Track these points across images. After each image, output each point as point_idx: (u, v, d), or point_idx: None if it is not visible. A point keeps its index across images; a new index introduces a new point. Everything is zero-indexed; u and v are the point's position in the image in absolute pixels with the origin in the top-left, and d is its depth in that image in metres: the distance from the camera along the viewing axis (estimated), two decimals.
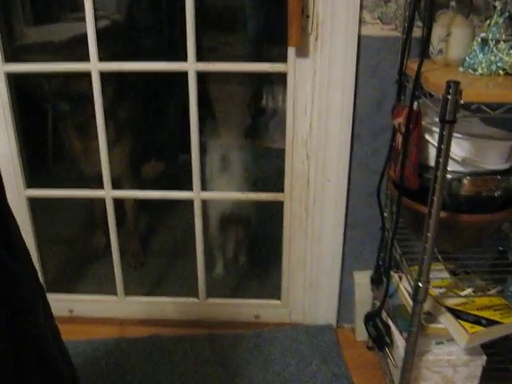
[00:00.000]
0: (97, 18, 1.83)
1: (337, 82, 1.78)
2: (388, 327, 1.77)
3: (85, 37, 1.79)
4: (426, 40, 1.47)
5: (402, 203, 1.60)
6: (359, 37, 1.74)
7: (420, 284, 1.49)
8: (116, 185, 2.01)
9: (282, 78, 1.84)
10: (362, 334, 2.06)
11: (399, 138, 1.60)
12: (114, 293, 2.17)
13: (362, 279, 2.03)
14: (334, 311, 2.12)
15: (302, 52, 1.77)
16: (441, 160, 1.35)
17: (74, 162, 2.23)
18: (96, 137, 1.90)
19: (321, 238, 1.99)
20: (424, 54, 1.47)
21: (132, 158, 2.24)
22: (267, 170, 2.94)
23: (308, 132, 1.88)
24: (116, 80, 2.27)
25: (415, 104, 1.51)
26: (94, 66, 1.82)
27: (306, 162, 1.92)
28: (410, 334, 1.57)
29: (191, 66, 1.80)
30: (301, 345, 2.04)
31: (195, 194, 1.97)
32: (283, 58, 1.81)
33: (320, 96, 1.81)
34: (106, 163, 1.94)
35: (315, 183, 1.92)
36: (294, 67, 1.80)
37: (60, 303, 2.18)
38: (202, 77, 1.85)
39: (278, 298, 2.16)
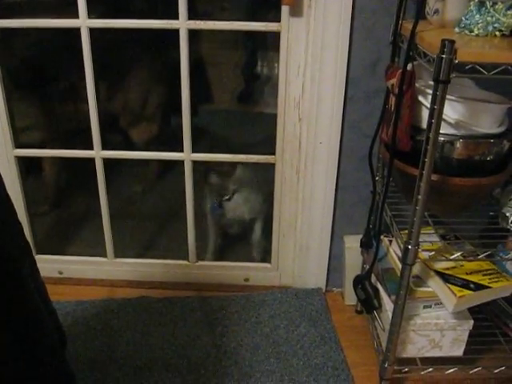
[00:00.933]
0: None
1: (330, 42, 1.74)
2: (377, 290, 1.77)
3: None
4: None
5: (394, 166, 1.58)
6: None
7: (409, 247, 1.48)
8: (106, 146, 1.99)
9: (276, 41, 1.81)
10: (351, 298, 2.06)
11: (392, 100, 1.57)
12: (104, 254, 2.16)
13: (353, 243, 2.02)
14: (324, 275, 2.12)
15: (296, 11, 1.73)
16: (433, 121, 1.33)
17: (64, 122, 2.20)
18: (86, 96, 1.86)
19: (311, 201, 1.98)
20: (420, 13, 1.44)
21: (123, 120, 2.21)
22: (260, 134, 2.92)
23: (300, 94, 1.84)
24: (107, 39, 2.23)
25: (409, 65, 1.49)
26: (83, 23, 1.77)
27: (297, 125, 1.89)
28: (398, 297, 1.57)
29: (182, 24, 1.76)
30: (290, 308, 2.04)
31: (186, 155, 1.94)
32: (277, 20, 1.78)
33: (313, 57, 1.77)
34: (96, 123, 1.91)
35: (307, 146, 1.90)
36: (288, 27, 1.75)
37: (49, 264, 2.17)
38: (194, 38, 1.82)
39: (268, 261, 2.16)
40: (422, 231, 1.52)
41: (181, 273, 2.16)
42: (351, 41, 1.75)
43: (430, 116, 1.33)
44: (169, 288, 2.13)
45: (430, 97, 1.48)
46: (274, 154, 1.95)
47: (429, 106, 1.47)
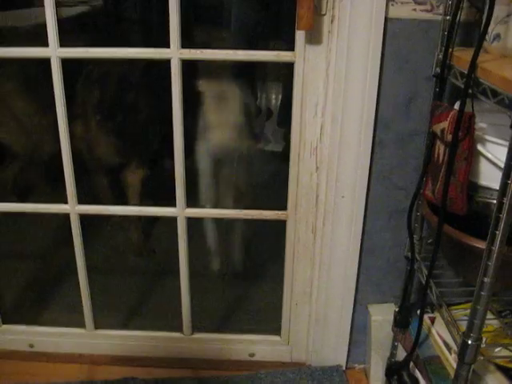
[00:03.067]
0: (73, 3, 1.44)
1: (356, 75, 1.37)
2: (417, 383, 1.38)
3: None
4: (487, 20, 1.06)
5: (443, 232, 1.20)
6: (386, 19, 1.33)
7: (470, 341, 1.09)
8: (88, 197, 1.61)
9: (287, 72, 1.44)
10: (377, 378, 1.66)
11: (440, 149, 1.19)
12: (82, 325, 1.75)
13: (379, 315, 1.62)
14: (345, 350, 1.71)
15: (314, 37, 1.36)
16: (510, 182, 0.95)
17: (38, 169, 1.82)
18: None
19: (331, 265, 1.59)
20: (483, 38, 1.07)
21: (106, 165, 1.84)
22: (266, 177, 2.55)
23: (318, 138, 1.46)
24: (90, 71, 1.86)
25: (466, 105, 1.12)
26: (54, 52, 1.40)
27: (314, 175, 1.51)
28: None
29: (174, 53, 1.39)
30: None
31: (179, 211, 1.56)
32: (290, 47, 1.41)
33: (334, 93, 1.40)
34: (70, 171, 1.52)
35: (326, 200, 1.51)
36: (303, 56, 1.38)
37: (19, 336, 1.77)
38: (191, 70, 1.45)
39: (278, 333, 1.76)
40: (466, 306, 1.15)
41: (173, 347, 1.74)
42: (381, 73, 1.38)
43: (506, 174, 0.95)
44: (159, 366, 1.72)
45: (490, 145, 1.13)
46: (285, 208, 1.57)
47: (491, 157, 1.12)
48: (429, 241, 1.44)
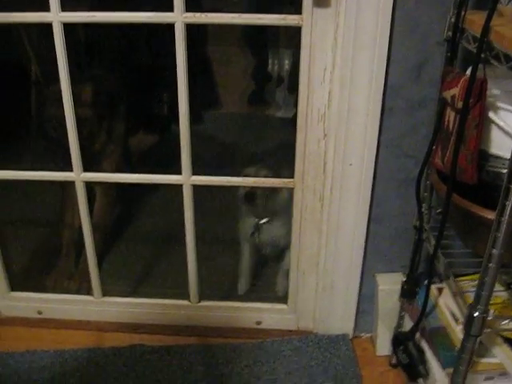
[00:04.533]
0: None
1: (365, 39, 1.32)
2: (423, 353, 1.37)
3: None
4: None
5: (452, 202, 1.17)
6: None
7: (476, 314, 1.07)
8: (94, 163, 1.59)
9: (298, 37, 1.40)
10: (383, 346, 1.66)
11: (451, 116, 1.15)
12: (90, 292, 1.76)
13: (387, 284, 1.60)
14: (351, 319, 1.70)
15: (322, 0, 1.31)
16: None
17: (41, 135, 1.79)
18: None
19: (338, 233, 1.56)
20: (493, 1, 1.02)
21: (113, 132, 1.81)
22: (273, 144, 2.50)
23: (326, 104, 1.43)
24: (96, 36, 1.82)
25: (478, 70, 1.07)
26: (55, 17, 1.37)
27: (322, 142, 1.47)
28: (457, 373, 1.16)
29: (178, 17, 1.34)
30: (311, 361, 1.63)
31: (184, 179, 1.54)
32: (297, 10, 1.36)
33: (343, 58, 1.35)
34: (74, 137, 1.50)
35: (333, 168, 1.48)
36: (311, 20, 1.33)
37: (27, 303, 1.78)
38: (197, 34, 1.41)
39: (285, 301, 1.75)
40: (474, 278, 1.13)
41: (180, 315, 1.75)
42: (391, 37, 1.33)
43: None
44: (166, 333, 1.72)
45: (502, 112, 1.09)
46: (292, 176, 1.54)
47: (503, 125, 1.08)
48: (438, 210, 1.41)
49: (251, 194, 1.69)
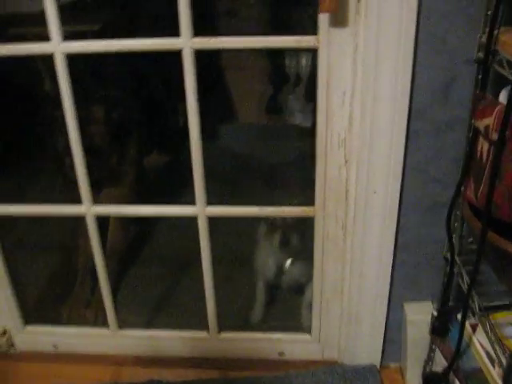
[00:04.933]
0: None
1: (387, 59, 1.22)
2: None
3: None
4: None
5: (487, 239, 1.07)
6: None
7: None
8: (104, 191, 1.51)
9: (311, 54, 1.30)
10: (414, 379, 1.56)
11: (484, 147, 1.05)
12: (106, 325, 1.69)
13: (416, 314, 1.50)
14: (379, 348, 1.60)
15: (339, 19, 1.21)
16: None
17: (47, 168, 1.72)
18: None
19: (363, 262, 1.47)
20: None
21: (125, 157, 1.73)
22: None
23: (347, 128, 1.33)
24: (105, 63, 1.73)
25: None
26: (56, 47, 1.29)
27: (343, 169, 1.38)
28: None
29: (186, 43, 1.26)
30: None
31: (199, 210, 1.45)
32: (313, 30, 1.26)
33: (364, 80, 1.25)
34: (83, 169, 1.43)
35: (356, 195, 1.38)
36: (328, 41, 1.23)
37: (42, 337, 1.71)
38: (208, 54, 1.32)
39: (308, 331, 1.66)
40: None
41: (200, 347, 1.67)
42: (415, 56, 1.22)
43: None
44: (186, 366, 1.64)
45: None
46: (312, 204, 1.45)
47: None
48: (469, 239, 1.31)
49: (285, 239, 1.63)
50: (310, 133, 2.67)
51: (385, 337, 1.60)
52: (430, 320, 1.47)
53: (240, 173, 2.29)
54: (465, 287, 1.19)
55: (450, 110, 1.28)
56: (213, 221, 1.47)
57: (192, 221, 1.50)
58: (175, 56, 1.30)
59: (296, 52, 3.12)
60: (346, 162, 1.37)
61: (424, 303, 1.52)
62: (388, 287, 1.51)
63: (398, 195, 1.37)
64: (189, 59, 1.27)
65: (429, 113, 1.29)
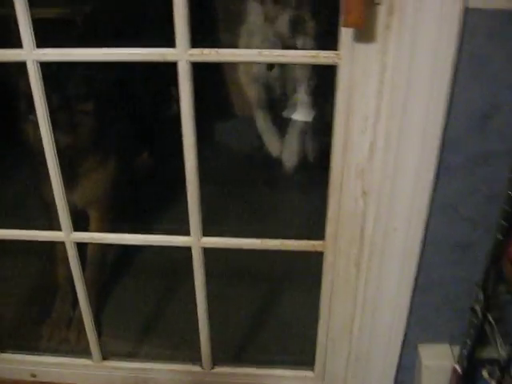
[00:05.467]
0: None
1: (420, 83, 1.00)
2: None
3: None
4: None
5: None
6: (465, 10, 0.96)
7: None
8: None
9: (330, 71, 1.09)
10: None
11: None
12: (89, 354, 1.50)
13: (432, 358, 1.31)
14: None
15: (366, 34, 0.99)
16: None
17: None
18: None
19: (377, 302, 1.27)
20: None
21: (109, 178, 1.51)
22: None
23: (367, 158, 1.12)
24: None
25: None
26: (29, 55, 1.07)
27: (360, 201, 1.17)
28: None
29: (182, 55, 1.04)
30: None
31: (194, 241, 1.25)
32: (332, 43, 1.05)
33: (391, 104, 1.04)
34: (61, 194, 1.22)
35: (373, 231, 1.18)
36: (351, 57, 1.02)
37: (20, 365, 1.52)
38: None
39: (311, 368, 1.48)
40: None
41: (192, 381, 1.49)
42: (454, 80, 1.02)
43: None
44: None
45: None
46: (322, 237, 1.25)
47: None
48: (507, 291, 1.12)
49: None
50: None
51: (396, 378, 1.42)
52: (447, 365, 1.29)
53: (239, 174, 2.08)
54: (498, 354, 1.00)
55: (488, 141, 1.07)
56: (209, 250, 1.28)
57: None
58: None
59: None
60: (364, 194, 1.16)
61: (441, 346, 1.34)
62: (403, 329, 1.32)
63: (421, 234, 1.17)
64: (185, 73, 1.06)
65: (463, 145, 1.08)
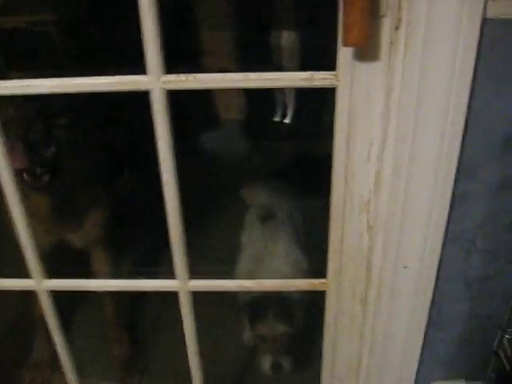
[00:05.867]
0: None
1: (433, 105, 0.85)
2: None
3: None
4: None
5: None
6: (483, 21, 0.81)
7: None
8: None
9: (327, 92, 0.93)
10: None
11: None
12: None
13: None
14: None
15: (368, 52, 0.84)
16: None
17: None
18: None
19: (387, 341, 1.12)
20: None
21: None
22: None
23: (372, 189, 0.97)
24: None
25: None
26: None
27: (365, 236, 1.02)
28: None
29: (154, 82, 0.88)
30: None
31: (180, 284, 1.10)
32: (329, 62, 0.89)
33: (399, 129, 0.88)
34: (26, 233, 1.06)
35: (381, 269, 1.03)
36: (351, 79, 0.86)
37: None
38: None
39: None
40: None
41: None
42: (471, 100, 0.87)
43: None
44: None
45: None
46: (323, 276, 1.10)
47: None
48: None
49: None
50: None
51: None
52: None
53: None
54: None
55: (509, 168, 0.93)
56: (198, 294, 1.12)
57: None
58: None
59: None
60: (370, 228, 1.01)
61: (456, 383, 1.21)
62: (415, 368, 1.17)
63: (434, 270, 1.02)
64: (159, 103, 0.90)
65: (481, 172, 0.93)
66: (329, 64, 0.87)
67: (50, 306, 1.13)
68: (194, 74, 0.87)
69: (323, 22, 0.98)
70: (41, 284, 1.10)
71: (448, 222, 0.97)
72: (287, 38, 1.32)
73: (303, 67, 0.95)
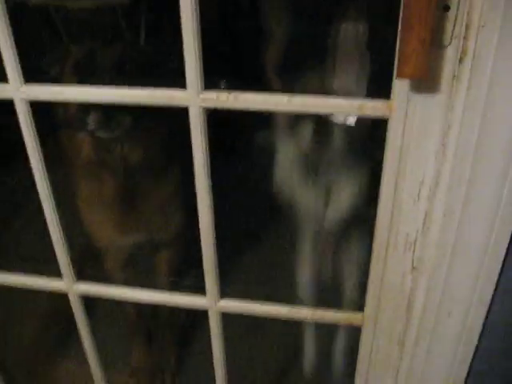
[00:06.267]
0: None
1: (495, 145, 0.75)
2: None
3: None
4: None
5: None
6: None
7: None
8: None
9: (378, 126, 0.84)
10: None
11: None
12: None
13: None
14: None
15: (427, 83, 0.74)
16: None
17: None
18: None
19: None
20: None
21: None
22: None
23: (420, 229, 0.87)
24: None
25: None
26: (16, 93, 0.87)
27: (408, 277, 0.92)
28: None
29: (193, 99, 0.82)
30: None
31: (210, 303, 1.04)
32: (382, 90, 0.79)
33: (454, 171, 0.78)
34: (59, 235, 1.03)
35: (423, 313, 0.93)
36: (405, 110, 0.77)
37: None
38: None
39: None
40: None
41: None
42: None
43: None
44: None
45: None
46: (361, 309, 1.01)
47: None
48: None
49: None
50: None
51: None
52: None
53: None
54: None
55: None
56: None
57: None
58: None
59: None
60: (414, 269, 0.91)
61: None
62: None
63: (481, 322, 0.92)
64: (197, 120, 0.83)
65: None
66: (382, 92, 0.78)
67: (83, 311, 1.11)
68: (234, 93, 0.80)
69: (380, 44, 0.87)
70: (72, 287, 1.08)
71: (500, 272, 0.87)
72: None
73: (354, 92, 0.85)
